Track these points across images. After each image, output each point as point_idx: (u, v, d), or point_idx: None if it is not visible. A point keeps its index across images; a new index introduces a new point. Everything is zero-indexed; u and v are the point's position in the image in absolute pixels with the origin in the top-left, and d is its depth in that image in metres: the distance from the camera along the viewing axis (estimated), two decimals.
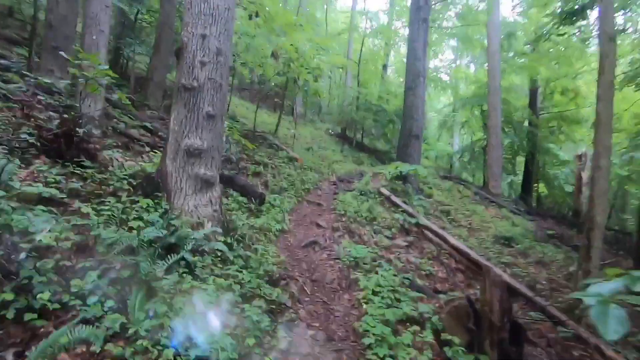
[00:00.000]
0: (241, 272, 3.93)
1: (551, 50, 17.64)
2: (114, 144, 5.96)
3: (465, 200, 12.93)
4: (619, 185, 17.67)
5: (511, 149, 20.06)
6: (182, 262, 3.58)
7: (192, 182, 4.48)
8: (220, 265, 3.84)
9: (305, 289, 4.52)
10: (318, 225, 6.95)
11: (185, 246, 3.57)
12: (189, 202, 4.44)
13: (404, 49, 26.97)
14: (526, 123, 19.89)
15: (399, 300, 4.33)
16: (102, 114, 6.49)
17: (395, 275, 4.94)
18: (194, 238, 3.79)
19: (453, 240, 7.57)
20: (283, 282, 4.45)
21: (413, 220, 7.80)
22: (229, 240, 4.40)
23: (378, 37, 21.11)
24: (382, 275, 4.77)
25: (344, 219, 7.25)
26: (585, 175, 17.02)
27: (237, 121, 11.68)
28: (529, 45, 20.01)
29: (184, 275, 3.44)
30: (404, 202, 9.03)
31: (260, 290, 3.80)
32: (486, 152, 20.10)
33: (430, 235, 7.88)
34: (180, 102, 4.54)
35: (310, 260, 5.41)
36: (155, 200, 4.30)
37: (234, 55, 13.15)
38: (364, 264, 5.26)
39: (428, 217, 8.76)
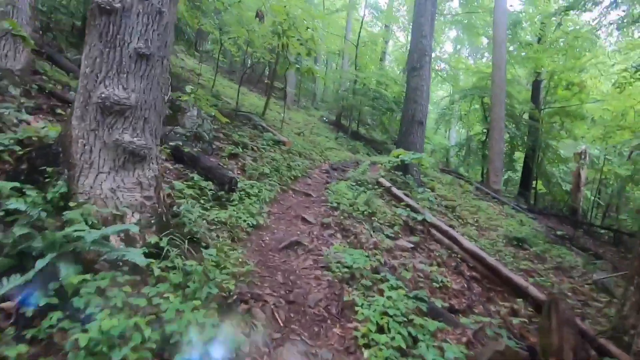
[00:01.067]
0: (168, 298, 2.32)
1: (561, 40, 16.14)
2: (33, 105, 4.28)
3: (467, 196, 11.42)
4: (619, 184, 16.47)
5: (510, 143, 18.60)
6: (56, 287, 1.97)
7: (110, 154, 2.83)
8: (129, 289, 2.22)
9: (277, 316, 2.93)
10: (304, 221, 5.34)
11: (49, 256, 1.94)
12: (102, 184, 2.79)
13: (402, 39, 25.27)
14: (526, 117, 18.46)
15: (415, 340, 2.76)
16: (26, 68, 4.79)
17: (406, 295, 3.37)
18: (82, 241, 2.16)
19: (466, 243, 6.03)
20: (244, 306, 2.85)
21: (419, 217, 6.22)
22: (162, 243, 2.78)
23: (378, 19, 19.36)
24: (388, 297, 3.19)
25: (336, 213, 5.66)
26: (584, 173, 15.68)
27: (220, 99, 9.98)
28: (529, 37, 18.53)
29: (51, 314, 1.83)
30: (406, 195, 7.47)
31: (197, 328, 2.20)
32: (486, 146, 18.68)
33: (438, 235, 6.34)
34: (95, 32, 2.86)
35: (290, 269, 3.81)
36: (47, 179, 2.67)
37: (220, 31, 11.41)
38: (363, 276, 3.68)
39: (432, 213, 7.21)
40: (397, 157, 8.41)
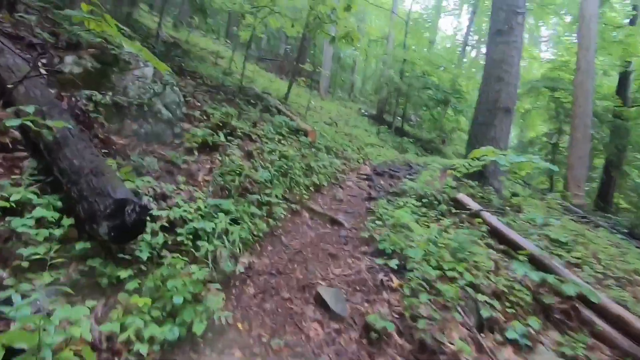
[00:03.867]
0: None
1: None
2: None
3: (561, 218, 7.57)
4: None
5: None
6: None
7: None
8: None
9: None
10: (321, 306, 2.03)
11: None
12: None
13: (450, 31, 21.21)
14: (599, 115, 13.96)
15: None
16: None
17: None
18: None
19: None
20: None
21: (567, 289, 2.70)
22: None
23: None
24: None
25: (395, 282, 2.30)
26: None
27: (229, 75, 6.86)
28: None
29: None
30: (508, 225, 3.93)
31: None
32: (556, 149, 14.44)
33: (599, 323, 2.80)
34: None
35: None
36: None
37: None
38: None
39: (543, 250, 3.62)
40: (480, 159, 4.87)
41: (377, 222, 3.15)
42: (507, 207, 5.66)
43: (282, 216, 3.10)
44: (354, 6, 5.93)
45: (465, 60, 16.79)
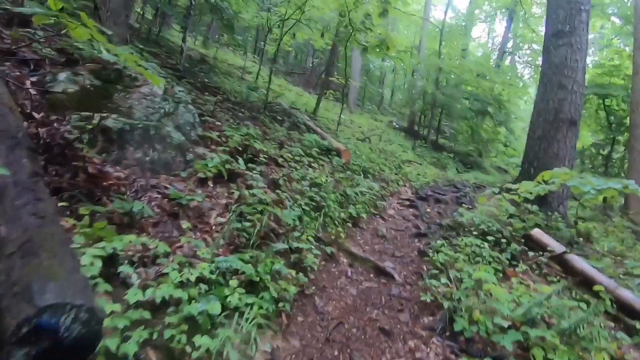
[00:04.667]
0: None
1: None
2: None
3: (633, 243, 6.32)
4: None
5: None
6: None
7: None
8: None
9: None
10: None
11: None
12: None
13: (483, 38, 20.03)
14: None
15: None
16: None
17: None
18: None
19: None
20: None
21: None
22: None
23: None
24: None
25: None
26: None
27: (255, 91, 6.32)
28: None
29: None
30: (600, 270, 2.96)
31: None
32: (609, 161, 12.86)
33: None
34: None
35: None
36: None
37: (269, 12, 7.93)
38: None
39: None
40: (549, 181, 3.90)
41: (440, 277, 2.32)
42: (580, 239, 4.66)
43: (315, 266, 2.36)
44: (391, 10, 5.22)
45: (499, 68, 15.59)
